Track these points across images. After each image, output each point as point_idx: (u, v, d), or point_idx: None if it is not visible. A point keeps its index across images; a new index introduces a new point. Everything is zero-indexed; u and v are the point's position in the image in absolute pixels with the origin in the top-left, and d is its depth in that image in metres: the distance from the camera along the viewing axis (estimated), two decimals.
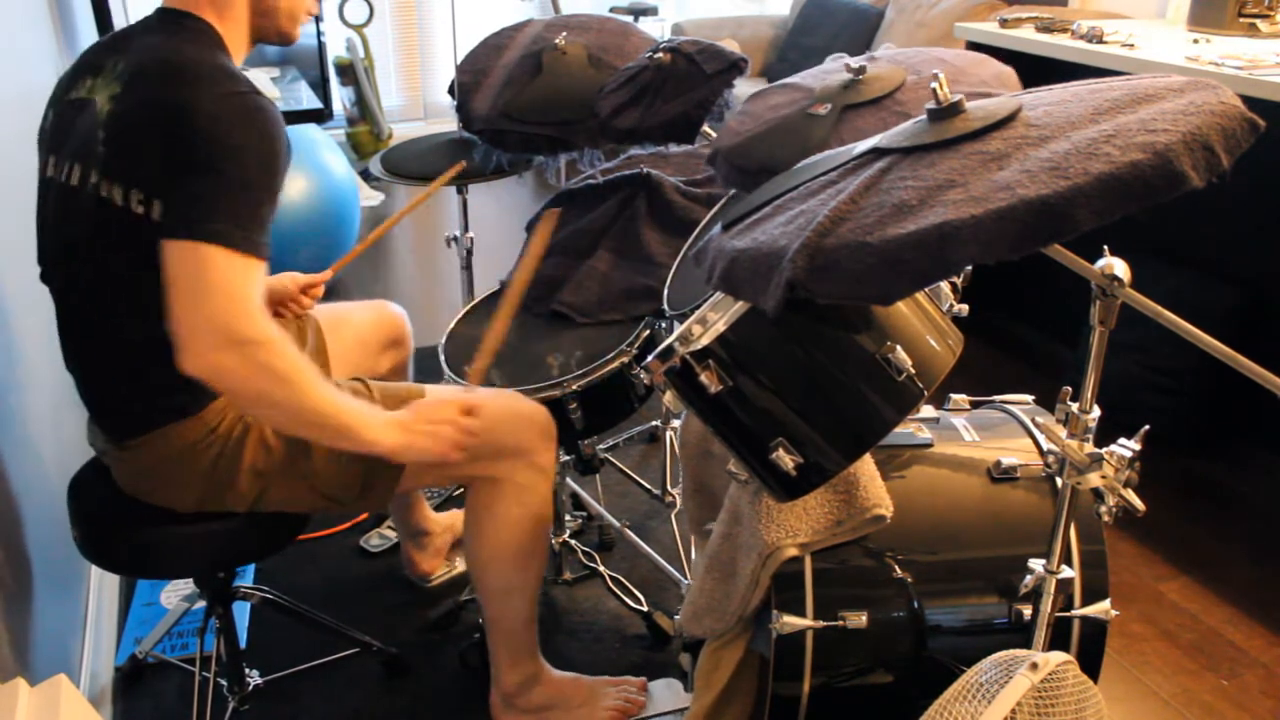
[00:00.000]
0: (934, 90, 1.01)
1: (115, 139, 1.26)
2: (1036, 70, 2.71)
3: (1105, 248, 1.05)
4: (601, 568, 2.06)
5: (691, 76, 1.69)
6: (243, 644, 1.86)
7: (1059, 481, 1.14)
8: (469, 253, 2.31)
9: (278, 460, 1.39)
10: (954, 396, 1.55)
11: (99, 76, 1.31)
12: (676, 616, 1.87)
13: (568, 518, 2.11)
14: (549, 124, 1.88)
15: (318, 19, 3.07)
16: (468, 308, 1.97)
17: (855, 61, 1.43)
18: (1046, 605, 1.17)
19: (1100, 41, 2.62)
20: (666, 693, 1.76)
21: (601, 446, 2.48)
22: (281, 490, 1.41)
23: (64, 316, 1.38)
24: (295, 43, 1.44)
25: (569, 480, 2.18)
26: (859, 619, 1.26)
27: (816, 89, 1.44)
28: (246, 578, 2.09)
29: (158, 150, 1.22)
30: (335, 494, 1.43)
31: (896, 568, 1.29)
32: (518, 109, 1.91)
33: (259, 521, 1.46)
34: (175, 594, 2.04)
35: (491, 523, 1.55)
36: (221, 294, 1.19)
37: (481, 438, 1.48)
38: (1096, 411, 1.10)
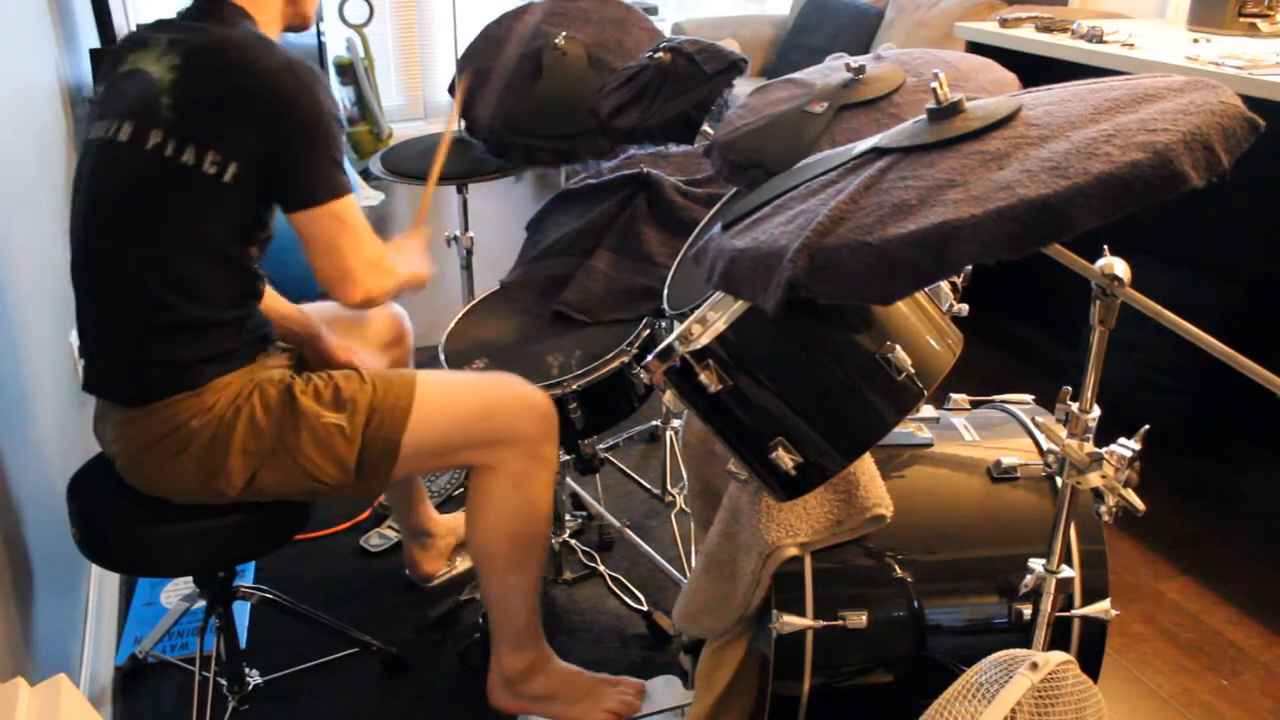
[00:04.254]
0: (934, 90, 1.01)
1: (191, 106, 1.35)
2: (1036, 70, 2.71)
3: (1105, 248, 1.05)
4: (601, 568, 2.06)
5: (691, 76, 1.69)
6: (243, 644, 1.86)
7: (1059, 481, 1.14)
8: (469, 253, 2.31)
9: (267, 441, 1.41)
10: (954, 396, 1.55)
11: (145, 50, 1.39)
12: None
13: (568, 518, 2.11)
14: (552, 136, 1.88)
15: (318, 19, 3.06)
16: (468, 308, 1.97)
17: (856, 61, 1.43)
18: (1046, 605, 1.17)
19: (1100, 41, 2.62)
20: (665, 690, 1.76)
21: (601, 446, 2.48)
22: (273, 472, 1.42)
23: (89, 272, 1.41)
24: (310, 27, 1.56)
25: (569, 480, 2.18)
26: (859, 619, 1.26)
27: (817, 86, 1.44)
28: (246, 577, 2.09)
29: (253, 124, 1.33)
30: (327, 477, 1.44)
31: (896, 568, 1.29)
32: (520, 118, 1.91)
33: (258, 519, 1.46)
34: (175, 594, 2.04)
35: (490, 511, 1.56)
36: (364, 235, 1.41)
37: (477, 424, 1.50)
38: (1096, 411, 1.10)
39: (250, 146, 1.33)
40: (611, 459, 2.38)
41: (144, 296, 1.36)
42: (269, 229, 1.45)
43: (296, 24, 1.54)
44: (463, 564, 2.10)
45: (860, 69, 1.41)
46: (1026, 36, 2.79)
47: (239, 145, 1.33)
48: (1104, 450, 1.09)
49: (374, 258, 1.43)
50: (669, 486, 2.22)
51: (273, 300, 1.67)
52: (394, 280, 1.48)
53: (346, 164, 1.43)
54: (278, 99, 1.33)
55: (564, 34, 1.98)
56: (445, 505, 2.32)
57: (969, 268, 1.08)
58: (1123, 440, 1.09)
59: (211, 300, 1.39)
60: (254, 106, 1.33)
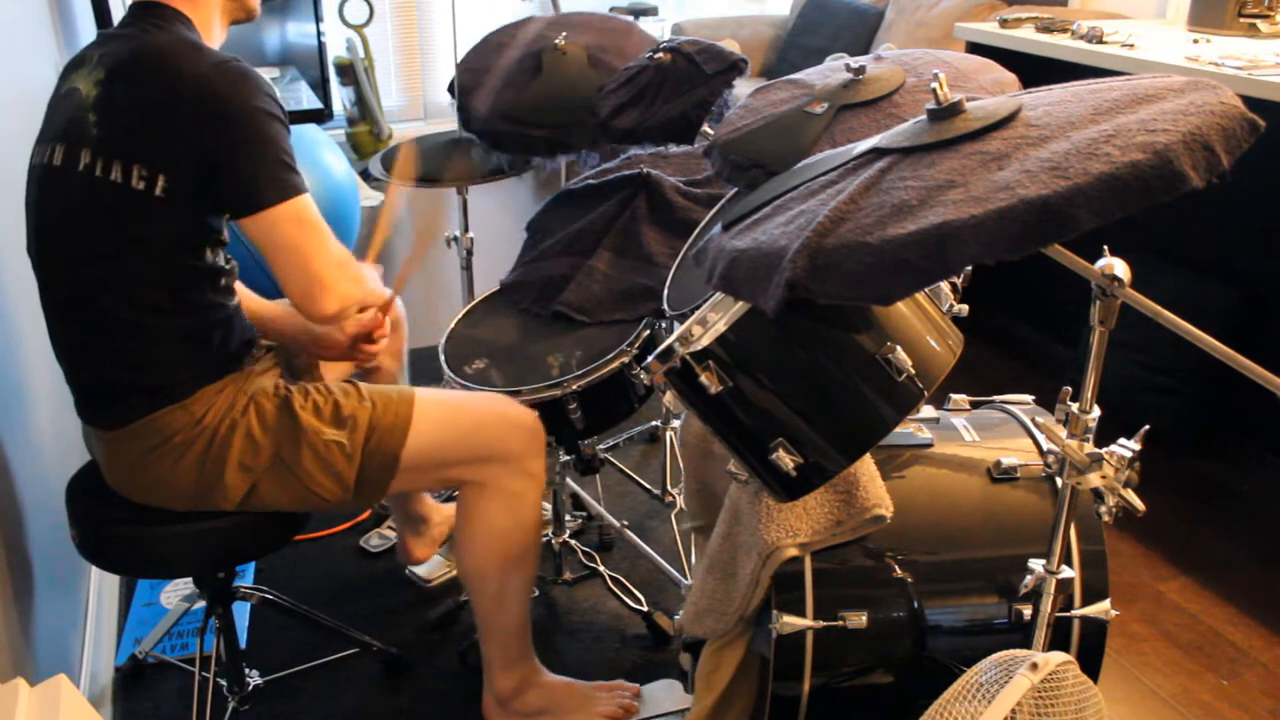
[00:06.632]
0: (934, 90, 1.01)
1: (113, 121, 1.30)
2: (1036, 70, 2.71)
3: (1105, 248, 1.05)
4: (601, 568, 2.06)
5: (691, 77, 1.69)
6: (243, 644, 1.86)
7: (1059, 481, 1.14)
8: (469, 253, 2.31)
9: (265, 456, 1.40)
10: (954, 396, 1.55)
11: (81, 67, 1.36)
12: (677, 617, 1.87)
13: (568, 518, 2.11)
14: (548, 125, 1.87)
15: (318, 19, 3.06)
16: (468, 308, 1.97)
17: (856, 61, 1.44)
18: (1046, 605, 1.17)
19: (1100, 41, 2.62)
20: (666, 694, 1.76)
21: (601, 446, 2.48)
22: (271, 487, 1.41)
23: (49, 298, 1.39)
24: (258, 16, 1.51)
25: (569, 480, 2.18)
26: (859, 619, 1.26)
27: (817, 86, 1.44)
28: (246, 578, 2.09)
29: (179, 133, 1.27)
30: (326, 493, 1.43)
31: (896, 568, 1.29)
32: (517, 110, 1.91)
33: (257, 520, 1.46)
34: (175, 594, 2.04)
35: (480, 530, 1.55)
36: (328, 236, 1.35)
37: (468, 441, 1.50)
38: (1096, 411, 1.10)
39: (179, 156, 1.27)
40: (611, 459, 2.38)
41: (104, 319, 1.33)
42: (222, 234, 1.39)
43: (241, 16, 1.48)
44: None
45: (860, 69, 1.41)
46: (1026, 37, 2.80)
47: (166, 156, 1.27)
48: (1104, 450, 1.09)
49: (342, 259, 1.36)
50: (669, 487, 2.22)
51: (254, 304, 1.65)
52: (362, 288, 1.41)
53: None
54: (204, 104, 1.27)
55: (564, 35, 1.98)
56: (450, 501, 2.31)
57: (969, 268, 1.08)
58: (1123, 440, 1.09)
59: (176, 312, 1.35)
60: (178, 114, 1.27)
